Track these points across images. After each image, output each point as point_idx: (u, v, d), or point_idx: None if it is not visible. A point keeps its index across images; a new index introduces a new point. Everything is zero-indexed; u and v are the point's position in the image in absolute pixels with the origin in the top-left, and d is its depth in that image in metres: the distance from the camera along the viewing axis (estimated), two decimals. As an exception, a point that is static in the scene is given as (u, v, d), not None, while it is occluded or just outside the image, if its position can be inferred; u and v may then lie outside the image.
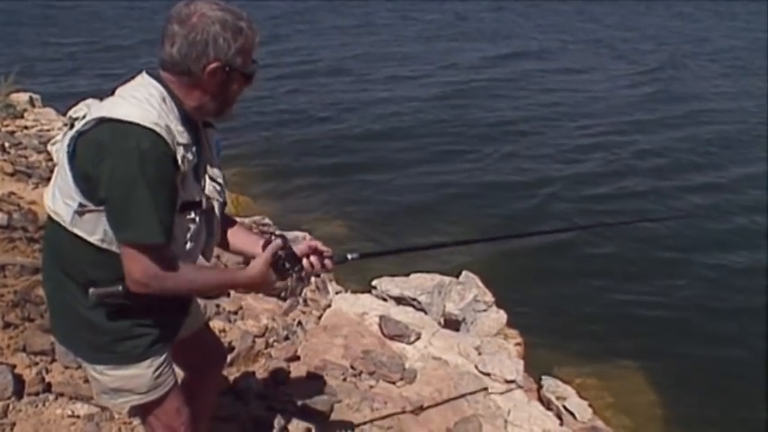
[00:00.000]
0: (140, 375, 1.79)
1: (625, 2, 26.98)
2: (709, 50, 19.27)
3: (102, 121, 1.53)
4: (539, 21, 23.20)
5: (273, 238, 1.82)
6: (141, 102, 1.56)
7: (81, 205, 1.59)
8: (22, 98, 7.56)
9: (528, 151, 11.04)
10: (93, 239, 1.62)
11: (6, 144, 5.55)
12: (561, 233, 7.59)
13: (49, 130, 6.44)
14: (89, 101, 1.70)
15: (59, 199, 1.64)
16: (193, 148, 1.65)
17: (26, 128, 6.56)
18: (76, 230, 1.62)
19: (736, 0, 27.02)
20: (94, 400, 2.52)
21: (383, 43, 18.88)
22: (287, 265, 1.78)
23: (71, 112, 1.67)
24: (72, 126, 1.62)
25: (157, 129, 1.52)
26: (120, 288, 1.65)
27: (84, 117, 1.58)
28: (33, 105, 7.71)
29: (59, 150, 1.65)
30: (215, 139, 1.85)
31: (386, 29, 21.03)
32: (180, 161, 1.58)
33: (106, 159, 1.50)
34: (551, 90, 14.64)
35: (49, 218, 1.70)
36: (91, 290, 1.66)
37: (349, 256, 1.96)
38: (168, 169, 1.55)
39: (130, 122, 1.51)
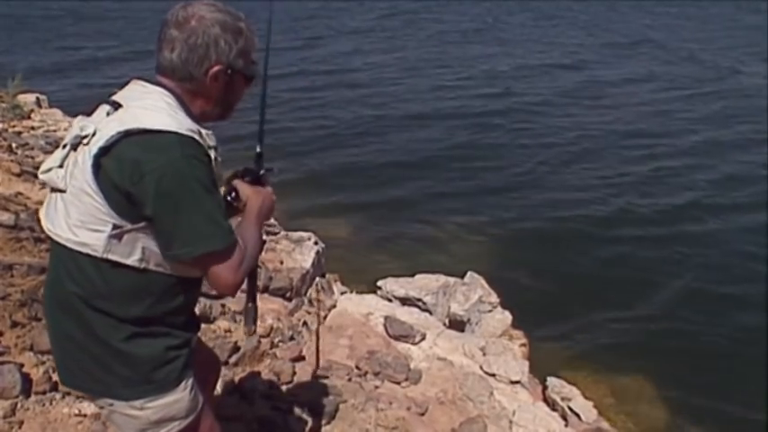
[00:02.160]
0: (180, 399, 1.71)
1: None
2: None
3: (129, 133, 1.44)
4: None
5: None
6: (167, 110, 1.51)
7: (116, 227, 1.48)
8: (29, 99, 7.61)
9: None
10: (131, 261, 1.52)
11: (13, 144, 5.57)
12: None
13: (55, 131, 6.47)
14: (80, 117, 1.57)
15: (83, 228, 1.50)
16: (219, 150, 1.61)
17: (33, 128, 6.59)
18: (111, 256, 1.51)
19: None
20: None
21: (391, 47, 18.85)
22: (261, 171, 1.87)
23: (75, 132, 1.52)
24: (76, 147, 1.51)
25: (194, 135, 1.49)
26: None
27: (94, 134, 1.48)
28: (40, 106, 7.75)
29: (68, 175, 1.52)
30: None
31: (391, 33, 21.02)
32: (214, 164, 1.55)
33: (149, 174, 1.42)
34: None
35: (64, 252, 1.55)
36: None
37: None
38: (212, 173, 1.53)
39: (167, 131, 1.44)
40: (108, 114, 1.51)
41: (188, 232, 1.48)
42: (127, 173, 1.43)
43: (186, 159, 1.45)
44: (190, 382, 1.73)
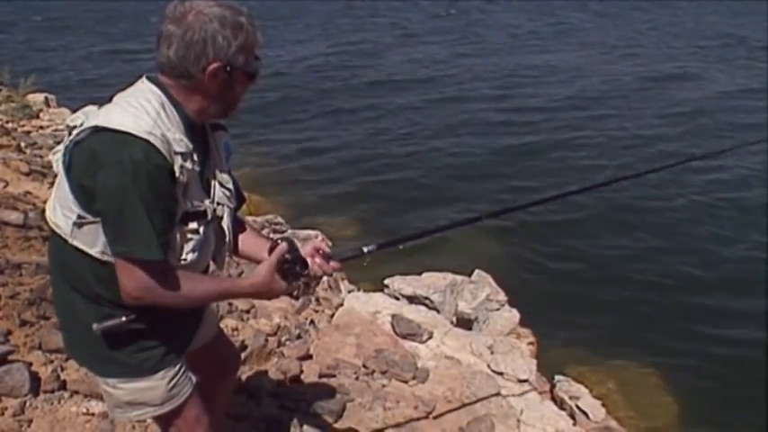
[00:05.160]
0: (154, 387, 1.75)
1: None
2: None
3: (95, 130, 1.48)
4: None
5: (280, 242, 1.73)
6: (137, 109, 1.50)
7: (80, 217, 1.55)
8: (37, 98, 7.67)
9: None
10: (94, 252, 1.58)
11: (22, 144, 5.61)
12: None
13: (63, 130, 6.50)
14: (87, 108, 1.64)
15: (59, 211, 1.60)
16: (194, 156, 1.58)
17: (41, 128, 6.64)
18: (77, 243, 1.59)
19: None
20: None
21: (398, 45, 18.81)
22: (295, 270, 1.70)
23: (68, 121, 1.62)
24: (70, 135, 1.58)
25: (151, 138, 1.46)
26: (124, 318, 1.62)
27: (81, 125, 1.53)
28: (48, 105, 7.81)
29: (58, 160, 1.61)
30: (224, 142, 1.78)
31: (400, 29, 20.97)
32: (178, 171, 1.52)
33: (100, 170, 1.46)
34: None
35: (52, 230, 1.67)
36: (94, 326, 1.63)
37: (365, 249, 1.83)
38: (163, 181, 1.49)
39: (123, 132, 1.45)
40: (98, 108, 1.58)
41: (115, 232, 1.51)
42: (85, 166, 1.49)
43: (131, 162, 1.44)
44: (171, 372, 1.77)
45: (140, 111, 1.50)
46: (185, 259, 1.64)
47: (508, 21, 22.14)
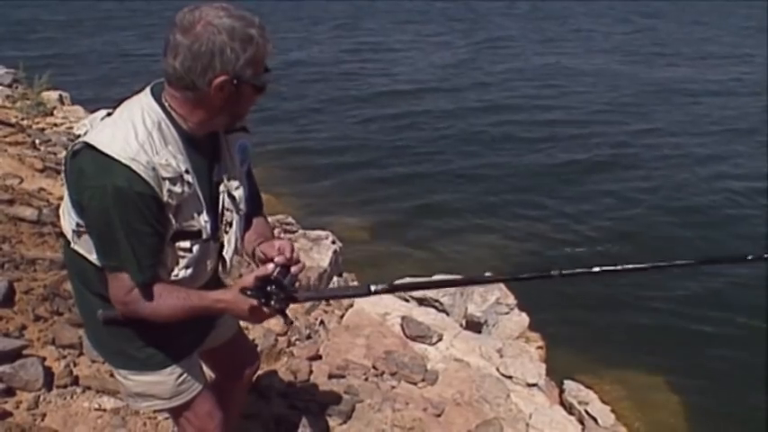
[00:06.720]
0: (162, 382, 1.79)
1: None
2: None
3: (86, 146, 1.47)
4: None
5: (276, 267, 1.58)
6: (127, 130, 1.47)
7: (78, 225, 1.58)
8: (52, 96, 7.73)
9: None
10: (92, 259, 1.61)
11: (37, 141, 5.65)
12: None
13: (77, 130, 6.56)
14: (95, 114, 1.62)
15: (65, 215, 1.64)
16: (186, 177, 1.53)
17: (56, 125, 6.69)
18: (77, 248, 1.63)
19: None
20: (120, 394, 2.57)
21: (418, 47, 18.78)
22: (272, 297, 1.56)
23: (75, 129, 1.64)
24: None
25: (134, 165, 1.43)
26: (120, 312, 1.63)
27: (85, 134, 1.53)
28: (63, 103, 7.88)
29: None
30: (240, 144, 1.72)
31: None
32: (166, 196, 1.49)
33: (86, 190, 1.47)
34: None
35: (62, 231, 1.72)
36: (99, 311, 1.67)
37: (372, 288, 1.69)
38: (146, 208, 1.47)
39: (108, 156, 1.43)
40: (102, 119, 1.58)
41: (97, 247, 1.56)
42: (75, 181, 1.51)
43: (113, 188, 1.43)
44: (179, 370, 1.81)
45: (130, 133, 1.47)
46: (177, 275, 1.64)
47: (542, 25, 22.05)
